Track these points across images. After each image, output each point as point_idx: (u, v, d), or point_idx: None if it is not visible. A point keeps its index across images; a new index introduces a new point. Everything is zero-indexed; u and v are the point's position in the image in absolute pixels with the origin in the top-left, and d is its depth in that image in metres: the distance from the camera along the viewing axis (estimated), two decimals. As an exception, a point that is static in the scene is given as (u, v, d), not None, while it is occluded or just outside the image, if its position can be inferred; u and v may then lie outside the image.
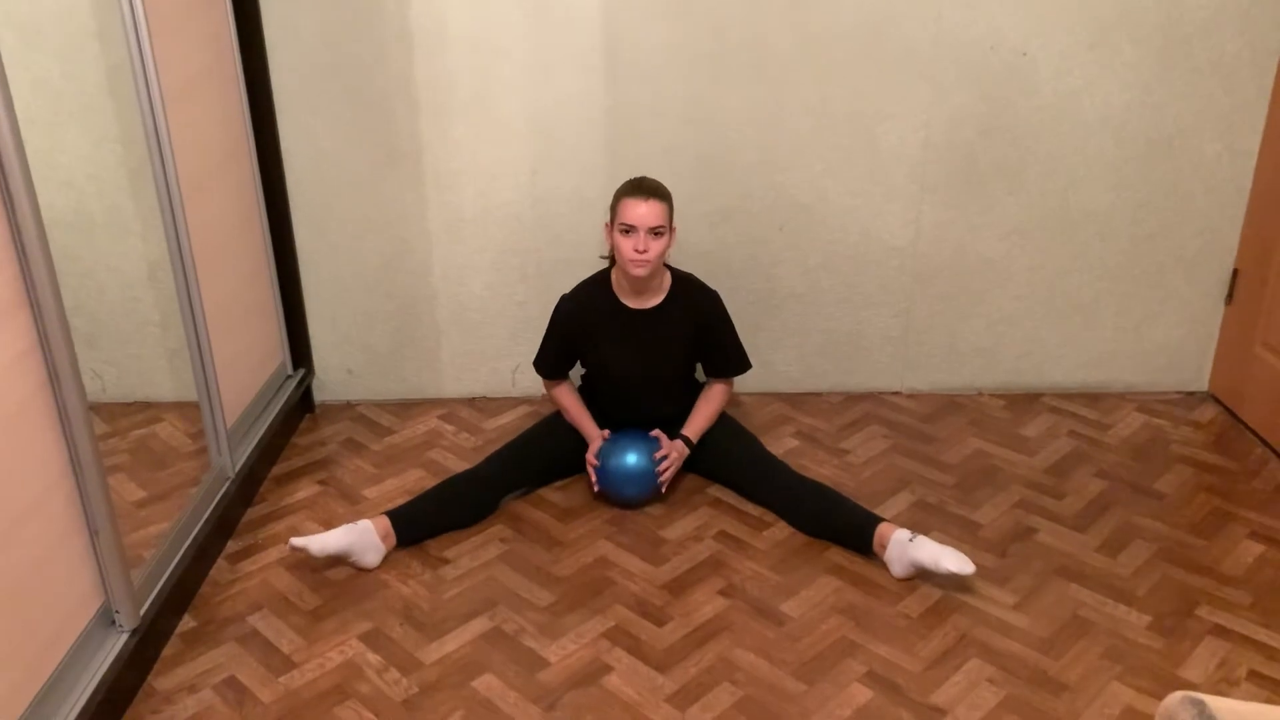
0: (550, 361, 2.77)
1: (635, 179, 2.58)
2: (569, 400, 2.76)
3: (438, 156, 2.95)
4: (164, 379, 2.63)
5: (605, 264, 2.72)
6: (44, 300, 1.81)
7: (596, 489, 2.65)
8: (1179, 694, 1.21)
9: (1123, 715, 2.00)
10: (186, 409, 2.57)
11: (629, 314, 2.64)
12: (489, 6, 2.79)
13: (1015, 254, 3.06)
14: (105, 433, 2.45)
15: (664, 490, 2.65)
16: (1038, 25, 2.80)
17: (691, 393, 2.77)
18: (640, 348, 2.66)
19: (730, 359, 2.76)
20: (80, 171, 2.33)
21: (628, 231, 2.50)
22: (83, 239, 2.37)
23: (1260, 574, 2.40)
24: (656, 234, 2.50)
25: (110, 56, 2.25)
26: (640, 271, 2.51)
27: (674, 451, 2.64)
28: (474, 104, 2.89)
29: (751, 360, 2.79)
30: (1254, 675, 2.09)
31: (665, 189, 2.56)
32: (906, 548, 2.33)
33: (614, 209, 2.56)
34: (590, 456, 2.65)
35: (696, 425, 2.70)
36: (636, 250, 2.49)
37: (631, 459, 2.61)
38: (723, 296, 2.73)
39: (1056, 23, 2.80)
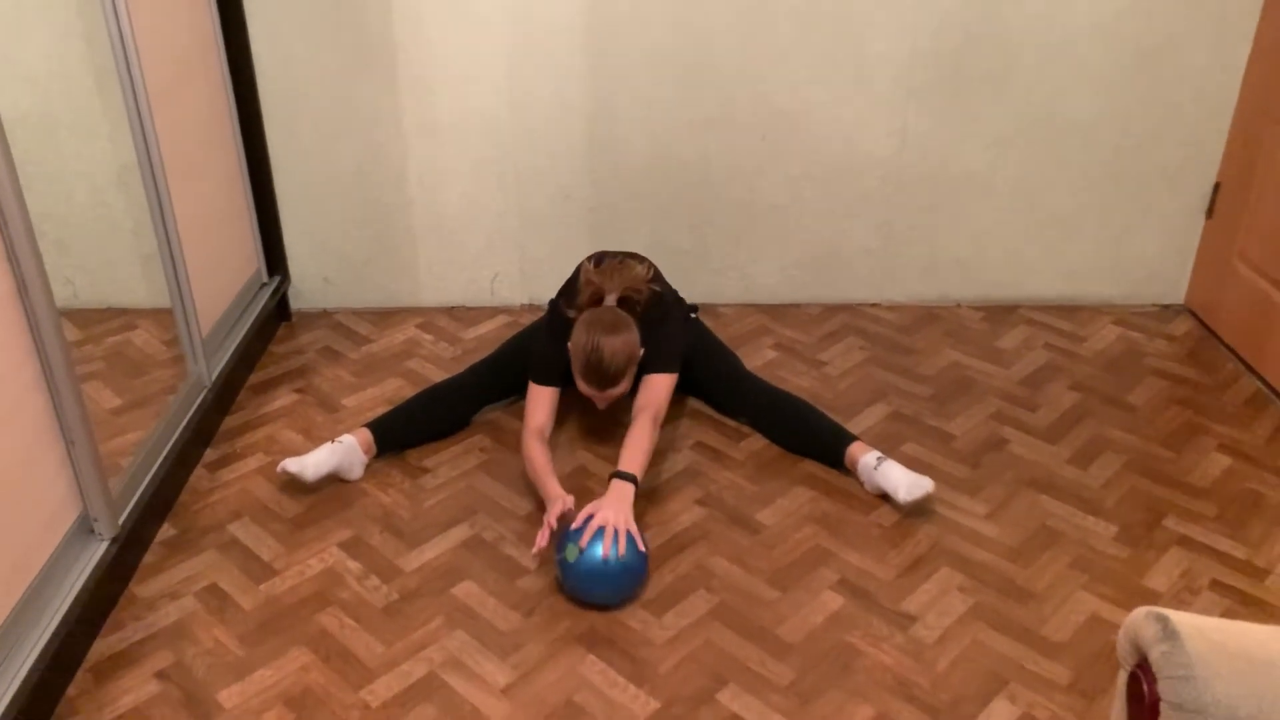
0: (544, 366, 2.47)
1: (592, 356, 2.29)
2: (539, 456, 2.33)
3: (411, 59, 2.87)
4: (137, 285, 2.60)
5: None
6: (6, 203, 1.77)
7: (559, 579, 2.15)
8: (1143, 609, 1.23)
9: (1088, 623, 2.06)
10: (161, 316, 2.55)
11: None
12: (465, -99, 2.69)
13: (998, 165, 3.04)
14: (79, 339, 2.43)
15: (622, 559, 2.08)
16: (1029, -71, 2.73)
17: None
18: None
19: (651, 357, 2.42)
20: (44, 69, 2.26)
21: (588, 394, 2.41)
22: (48, 141, 2.31)
23: (1227, 486, 2.45)
24: (618, 396, 2.42)
25: (70, -49, 2.16)
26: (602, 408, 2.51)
27: (616, 523, 2.10)
28: (448, 5, 2.80)
29: (731, 272, 2.74)
30: (1216, 584, 2.15)
31: (625, 357, 2.32)
32: (873, 474, 2.37)
33: (573, 363, 2.35)
34: (551, 519, 2.15)
35: (637, 460, 2.25)
36: (597, 405, 2.49)
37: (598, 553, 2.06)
38: (704, 206, 2.69)
39: (1049, -74, 2.73)
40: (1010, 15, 2.83)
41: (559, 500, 2.17)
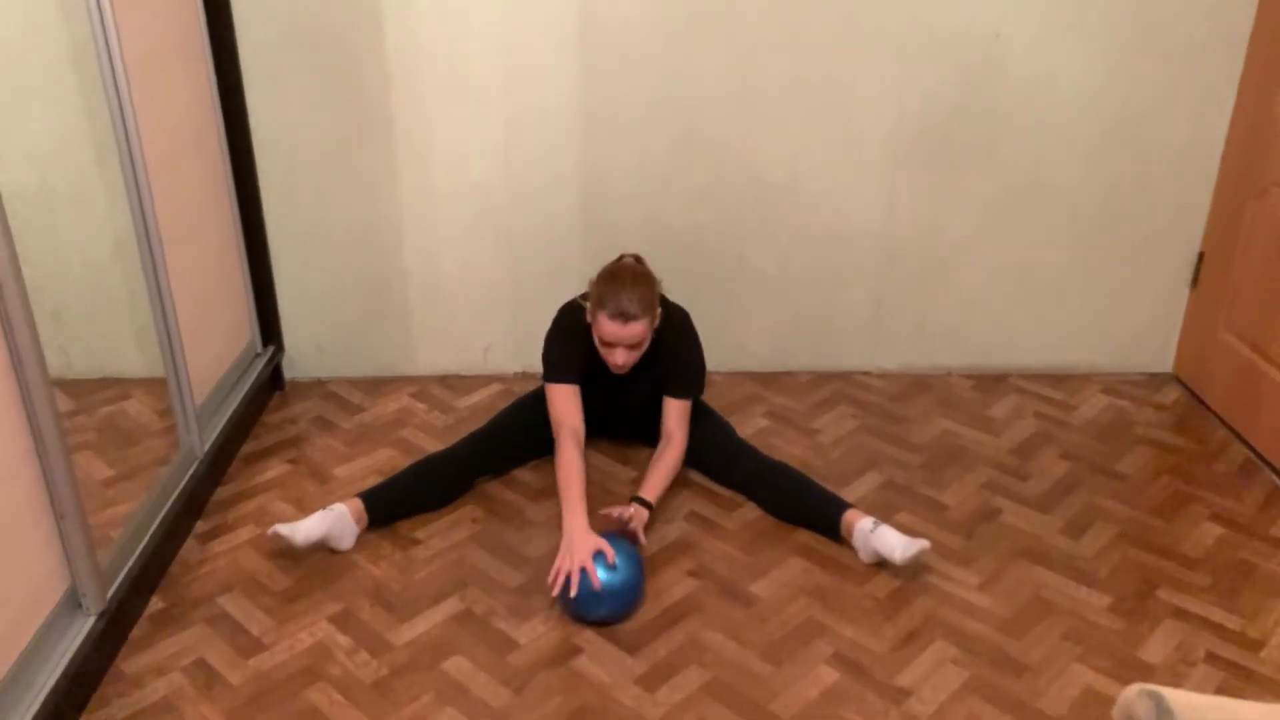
0: (560, 361, 2.54)
1: (616, 284, 2.40)
2: (572, 474, 2.37)
3: (409, 130, 2.92)
4: (132, 355, 2.60)
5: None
6: (3, 276, 1.78)
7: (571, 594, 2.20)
8: (1136, 686, 1.23)
9: (1083, 696, 2.04)
10: (155, 386, 2.55)
11: (603, 371, 2.55)
12: (461, -19, 2.76)
13: (986, 235, 3.08)
14: (72, 409, 2.43)
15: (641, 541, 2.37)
16: (1011, 7, 2.80)
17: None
18: (611, 400, 2.65)
19: (680, 376, 2.57)
20: (43, 145, 2.29)
21: (607, 345, 2.45)
22: (46, 214, 2.33)
23: (1219, 556, 2.45)
24: (638, 347, 2.46)
25: (74, 28, 2.20)
26: (619, 372, 2.51)
27: (634, 520, 2.38)
28: (446, 77, 2.86)
29: (723, 340, 2.77)
30: (1211, 657, 2.14)
31: (645, 301, 2.40)
32: (869, 538, 2.36)
33: (594, 309, 2.43)
34: (571, 570, 2.18)
35: (654, 487, 2.47)
36: (615, 362, 2.47)
37: (603, 576, 2.18)
38: (695, 275, 2.72)
39: (1030, 5, 2.80)
40: (995, 89, 2.90)
41: (584, 547, 2.19)
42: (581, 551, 2.19)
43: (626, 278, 2.43)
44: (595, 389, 2.59)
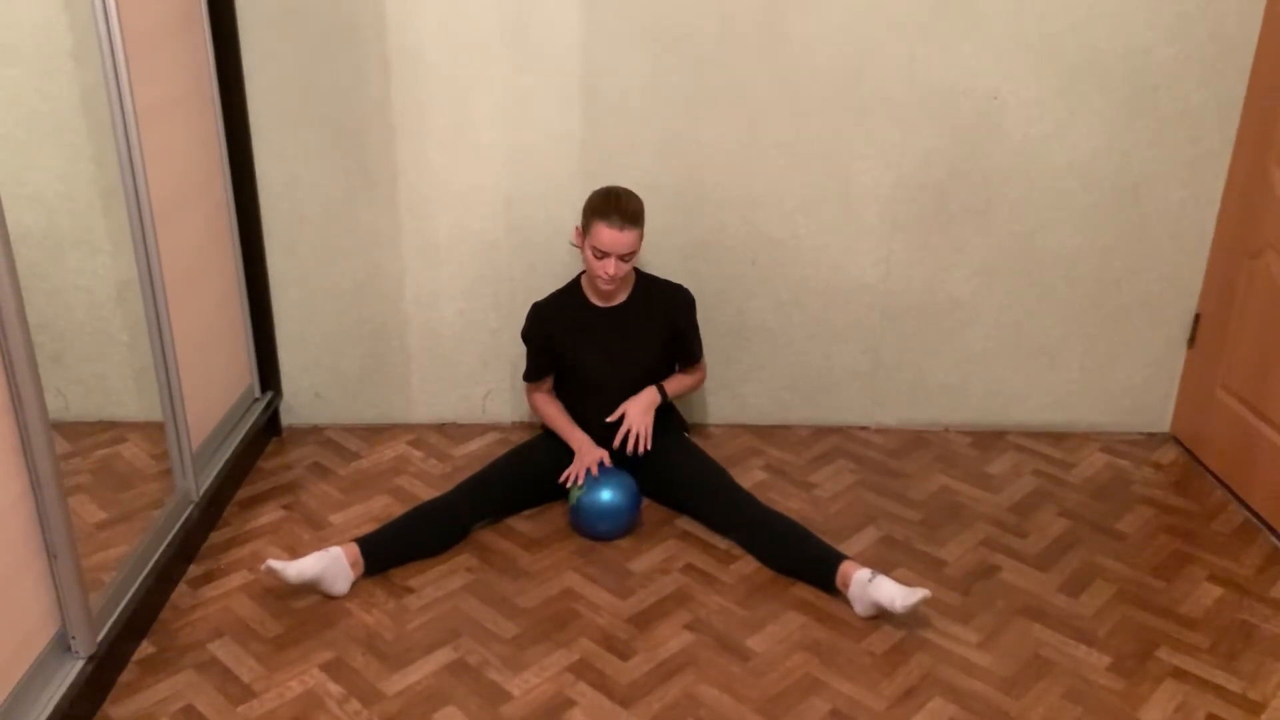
0: (534, 365, 2.82)
1: (611, 196, 2.60)
2: (554, 410, 2.81)
3: (413, 183, 2.95)
4: (129, 398, 2.60)
5: (574, 249, 2.82)
6: (7, 318, 1.79)
7: (579, 495, 2.62)
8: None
9: (1082, 757, 2.02)
10: (151, 429, 2.55)
11: (597, 312, 2.74)
12: (467, 35, 2.81)
13: (983, 294, 3.10)
14: (68, 452, 2.42)
15: (631, 449, 2.68)
16: (1008, 71, 2.85)
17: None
18: (609, 344, 2.74)
19: (693, 342, 2.86)
20: (51, 189, 2.31)
21: (600, 255, 2.57)
22: (51, 256, 2.35)
23: (1219, 616, 2.43)
24: (628, 258, 2.58)
25: (86, 76, 2.24)
26: (609, 288, 2.65)
27: (634, 421, 2.69)
28: (451, 132, 2.90)
29: (722, 393, 2.83)
30: (1212, 719, 2.11)
31: (639, 208, 2.61)
32: (867, 588, 2.35)
33: (587, 223, 2.60)
34: (591, 466, 2.63)
35: (673, 385, 2.80)
36: (606, 272, 2.58)
37: (606, 495, 2.61)
38: (696, 320, 2.79)
39: (1027, 69, 2.85)
40: (992, 151, 2.94)
41: (594, 453, 2.64)
42: (591, 455, 2.62)
43: (621, 191, 2.62)
44: (592, 347, 2.73)
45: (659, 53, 2.83)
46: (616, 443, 2.67)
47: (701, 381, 2.93)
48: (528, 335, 2.81)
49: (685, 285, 2.83)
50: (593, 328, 2.74)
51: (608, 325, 2.73)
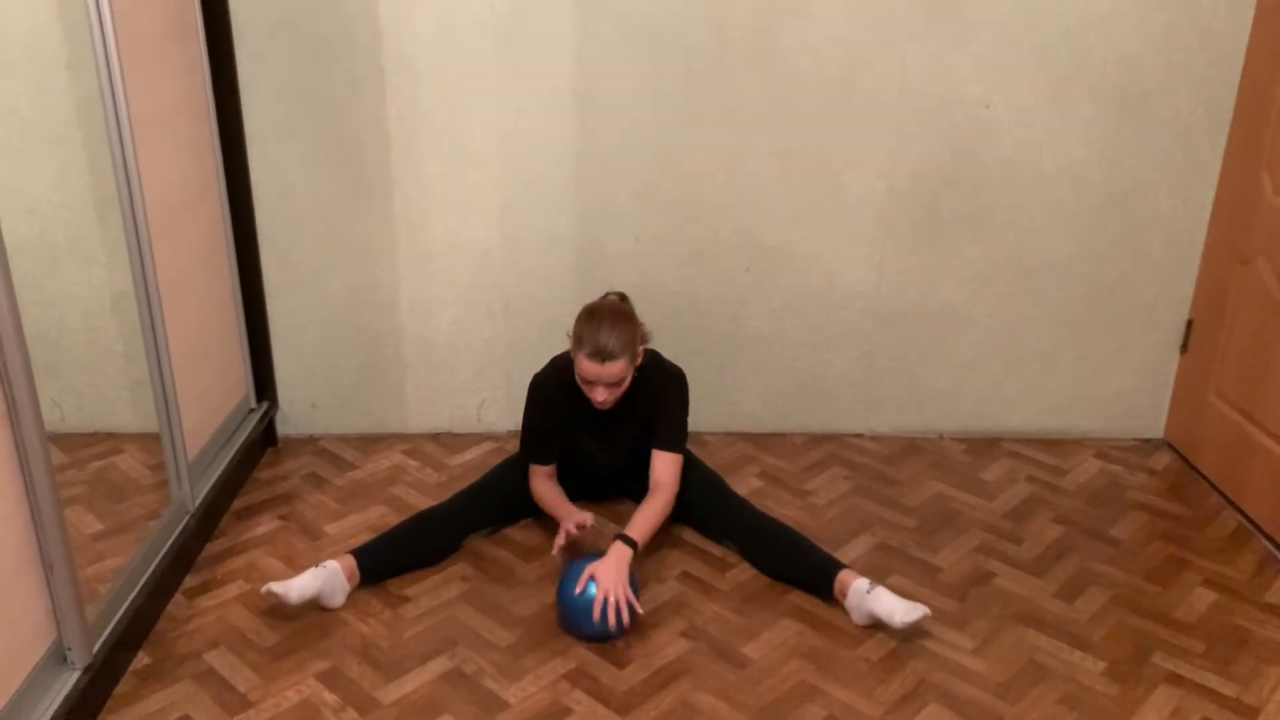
0: (537, 440, 2.65)
1: (592, 325, 2.41)
2: (556, 496, 2.63)
3: (408, 192, 2.96)
4: (125, 409, 2.60)
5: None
6: (3, 329, 1.79)
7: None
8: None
9: (1078, 762, 2.02)
10: (147, 440, 2.55)
11: (590, 408, 2.57)
12: (461, 45, 2.82)
13: (976, 301, 3.11)
14: (64, 463, 2.42)
15: (623, 623, 2.30)
16: (1000, 79, 2.87)
17: None
18: (604, 426, 2.63)
19: (671, 427, 2.58)
20: (46, 200, 2.32)
21: (588, 383, 2.46)
22: (46, 267, 2.36)
23: (1213, 621, 2.44)
24: (618, 385, 2.46)
25: (81, 87, 2.24)
26: (603, 409, 2.52)
27: (609, 589, 2.28)
28: (445, 141, 2.91)
29: (716, 400, 2.79)
30: (1206, 723, 2.13)
31: (624, 340, 2.41)
32: (865, 599, 2.35)
33: (574, 344, 2.45)
34: (570, 526, 2.48)
35: (639, 527, 2.43)
36: (596, 398, 2.47)
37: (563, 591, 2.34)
38: (688, 336, 2.75)
39: (1018, 77, 2.87)
40: (984, 160, 2.95)
41: (577, 515, 2.50)
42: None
43: (605, 316, 2.43)
44: (585, 432, 2.63)
45: (653, 62, 2.84)
46: (596, 615, 2.26)
47: (670, 503, 2.53)
48: (533, 421, 2.63)
49: (681, 291, 2.78)
50: (591, 415, 2.59)
51: (601, 418, 2.60)
